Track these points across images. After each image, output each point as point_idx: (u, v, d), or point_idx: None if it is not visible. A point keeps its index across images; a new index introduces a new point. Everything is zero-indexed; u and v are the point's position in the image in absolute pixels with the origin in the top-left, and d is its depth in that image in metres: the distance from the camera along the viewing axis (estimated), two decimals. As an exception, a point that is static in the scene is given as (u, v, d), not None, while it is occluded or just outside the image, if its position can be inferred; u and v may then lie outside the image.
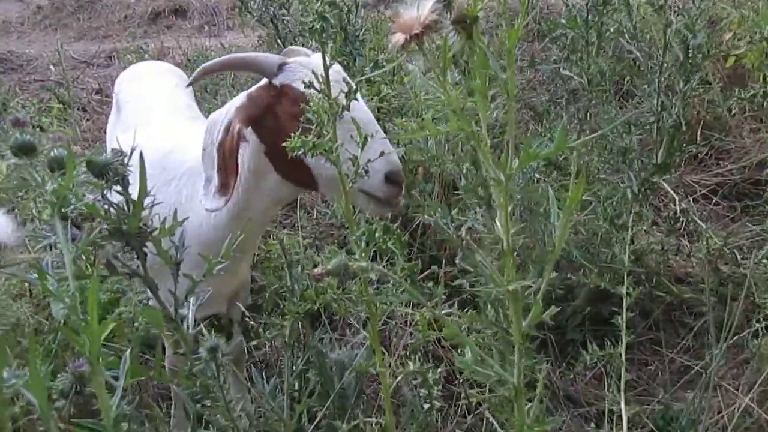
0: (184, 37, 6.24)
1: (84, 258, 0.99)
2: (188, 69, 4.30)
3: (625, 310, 1.72)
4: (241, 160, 1.55)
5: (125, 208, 0.95)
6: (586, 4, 2.44)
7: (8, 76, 5.49)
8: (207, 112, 3.57)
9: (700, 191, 3.08)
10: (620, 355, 1.71)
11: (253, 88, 1.53)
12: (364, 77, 1.08)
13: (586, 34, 2.39)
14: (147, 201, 0.93)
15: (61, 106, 3.82)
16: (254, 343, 1.61)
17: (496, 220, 0.96)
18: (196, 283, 0.99)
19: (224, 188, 1.46)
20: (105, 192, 0.94)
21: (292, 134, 1.42)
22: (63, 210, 0.80)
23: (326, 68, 1.08)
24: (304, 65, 1.47)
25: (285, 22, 3.51)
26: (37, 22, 7.57)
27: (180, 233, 1.05)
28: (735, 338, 1.76)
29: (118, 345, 1.64)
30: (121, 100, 2.08)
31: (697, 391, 1.90)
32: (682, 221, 2.86)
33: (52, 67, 5.41)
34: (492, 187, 0.92)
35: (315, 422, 1.31)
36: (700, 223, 2.76)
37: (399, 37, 0.82)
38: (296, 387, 1.27)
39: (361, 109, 1.39)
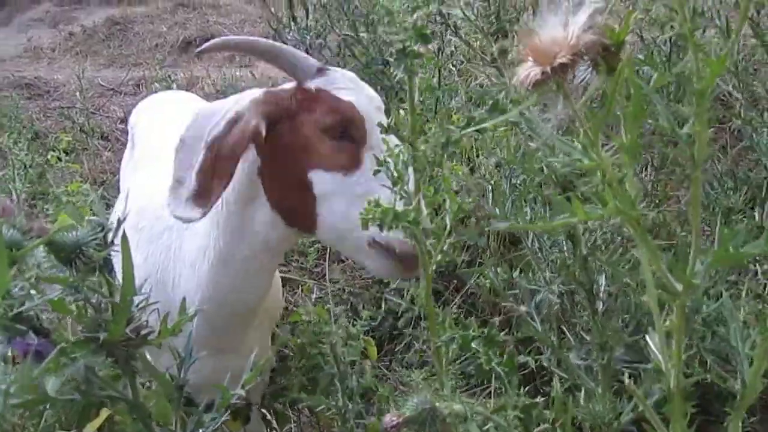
0: (214, 66, 6.06)
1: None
2: (218, 99, 4.09)
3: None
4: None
5: (107, 307, 0.65)
6: (670, 38, 2.14)
7: (33, 102, 5.33)
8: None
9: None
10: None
11: (274, 88, 1.26)
12: (455, 135, 0.77)
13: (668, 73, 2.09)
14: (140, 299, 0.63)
15: (70, 138, 3.59)
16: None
17: (652, 344, 0.64)
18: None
19: (204, 196, 1.12)
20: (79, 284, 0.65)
21: (312, 154, 1.15)
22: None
23: (413, 108, 0.78)
24: (350, 79, 1.21)
25: (321, 52, 3.27)
26: (68, 49, 7.48)
27: (189, 335, 0.75)
28: None
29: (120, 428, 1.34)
30: (136, 134, 1.81)
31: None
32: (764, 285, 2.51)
33: (78, 93, 5.24)
34: (651, 298, 0.61)
35: None
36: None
37: (532, 70, 0.52)
38: None
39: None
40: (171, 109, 1.82)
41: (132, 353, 0.67)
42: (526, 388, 2.01)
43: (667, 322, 0.61)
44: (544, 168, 1.07)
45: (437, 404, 0.60)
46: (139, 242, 1.30)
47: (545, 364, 1.15)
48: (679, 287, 0.57)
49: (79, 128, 4.03)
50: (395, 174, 0.78)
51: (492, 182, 2.00)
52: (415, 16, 0.69)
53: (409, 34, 0.69)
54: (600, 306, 1.05)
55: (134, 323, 0.66)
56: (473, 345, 0.78)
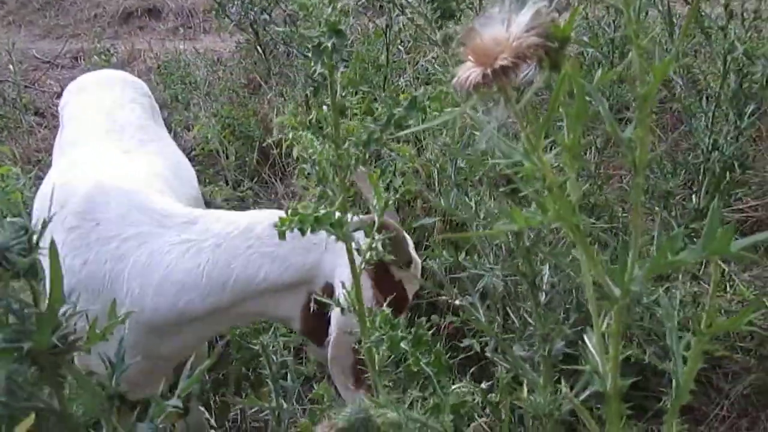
0: (156, 39, 5.86)
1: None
2: (159, 74, 3.93)
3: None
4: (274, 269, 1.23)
5: (31, 315, 0.62)
6: (614, 21, 2.16)
7: (-41, 76, 5.06)
8: (177, 125, 3.22)
9: (718, 228, 2.81)
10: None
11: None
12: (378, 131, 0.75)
13: (611, 55, 2.11)
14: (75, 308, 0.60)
15: (-1, 120, 3.43)
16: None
17: (590, 345, 0.64)
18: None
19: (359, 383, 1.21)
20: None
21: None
22: None
23: (335, 104, 0.76)
24: None
25: (266, 28, 3.19)
26: (0, 18, 7.12)
27: (120, 340, 0.72)
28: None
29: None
30: (65, 116, 1.71)
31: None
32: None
33: (10, 66, 5.00)
34: (591, 303, 0.60)
35: None
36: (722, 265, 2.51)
37: (472, 72, 0.50)
38: None
39: None
40: (100, 91, 1.72)
41: (59, 361, 0.64)
42: (471, 371, 2.02)
43: (605, 325, 0.61)
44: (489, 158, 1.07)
45: (371, 413, 0.59)
46: (68, 242, 1.23)
47: (488, 354, 1.16)
48: (618, 292, 0.57)
49: (11, 104, 3.85)
50: (320, 173, 0.75)
51: (438, 165, 1.99)
52: (329, 10, 0.66)
53: (321, 30, 0.67)
54: (543, 297, 1.05)
55: (61, 330, 0.63)
56: (402, 345, 0.77)
